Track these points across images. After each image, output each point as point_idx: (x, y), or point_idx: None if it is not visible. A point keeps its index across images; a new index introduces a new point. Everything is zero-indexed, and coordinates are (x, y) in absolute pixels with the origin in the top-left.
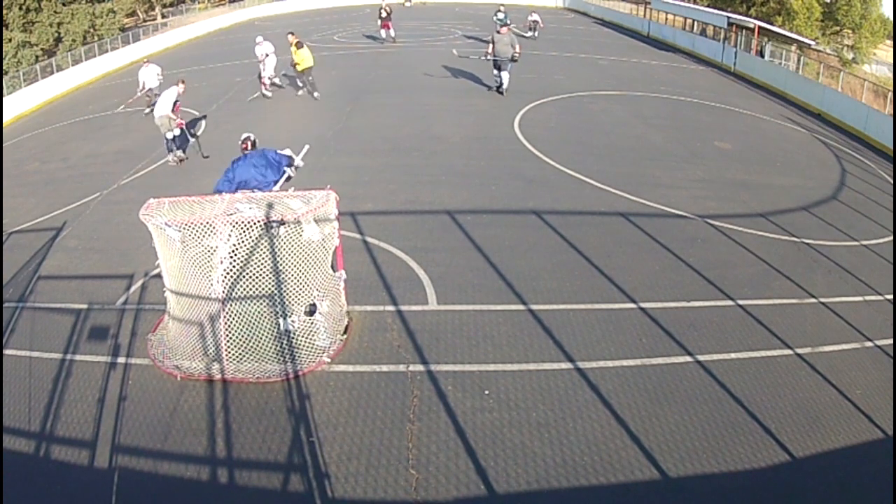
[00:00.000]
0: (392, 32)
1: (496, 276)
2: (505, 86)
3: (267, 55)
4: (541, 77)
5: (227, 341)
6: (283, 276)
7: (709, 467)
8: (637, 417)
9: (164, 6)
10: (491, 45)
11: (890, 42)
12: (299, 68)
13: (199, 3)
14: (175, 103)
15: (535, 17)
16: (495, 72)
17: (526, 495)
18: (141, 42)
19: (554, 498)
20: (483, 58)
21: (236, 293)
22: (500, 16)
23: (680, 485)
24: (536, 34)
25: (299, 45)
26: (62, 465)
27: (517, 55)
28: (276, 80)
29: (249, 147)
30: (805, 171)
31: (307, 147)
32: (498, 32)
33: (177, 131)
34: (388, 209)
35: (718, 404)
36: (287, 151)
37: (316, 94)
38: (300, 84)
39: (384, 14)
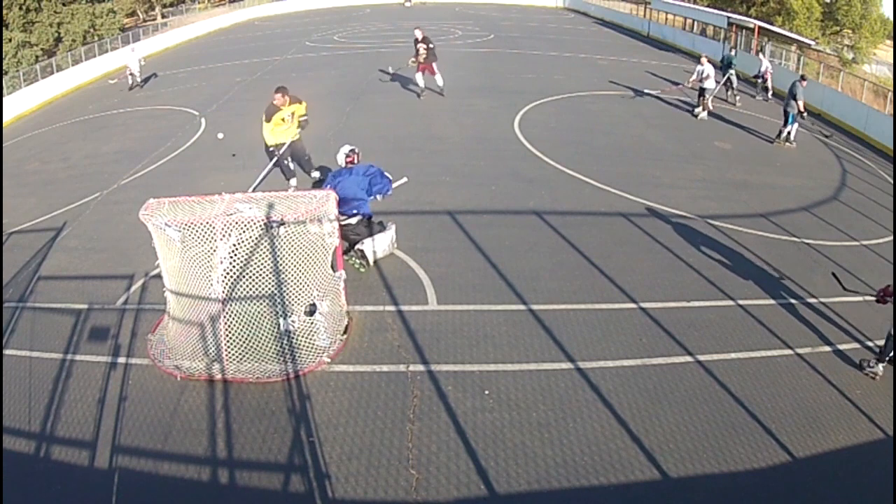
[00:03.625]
0: (439, 80)
1: (496, 276)
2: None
3: None
4: (541, 77)
5: (228, 341)
6: (283, 276)
7: (709, 467)
8: (637, 417)
9: (164, 6)
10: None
11: (890, 42)
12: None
13: (199, 3)
14: None
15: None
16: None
17: (526, 495)
18: (141, 42)
19: (554, 498)
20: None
21: (236, 293)
22: (700, 67)
23: (680, 485)
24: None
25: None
26: (62, 465)
27: (803, 113)
28: None
29: (355, 160)
30: (805, 171)
31: (405, 179)
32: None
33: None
34: (388, 209)
35: (718, 404)
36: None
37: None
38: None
39: (422, 50)
